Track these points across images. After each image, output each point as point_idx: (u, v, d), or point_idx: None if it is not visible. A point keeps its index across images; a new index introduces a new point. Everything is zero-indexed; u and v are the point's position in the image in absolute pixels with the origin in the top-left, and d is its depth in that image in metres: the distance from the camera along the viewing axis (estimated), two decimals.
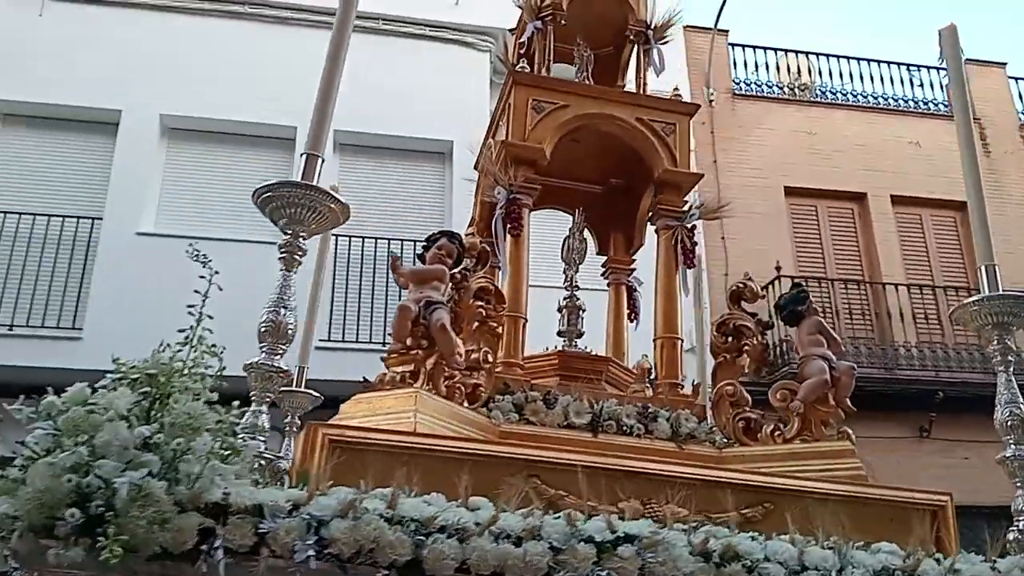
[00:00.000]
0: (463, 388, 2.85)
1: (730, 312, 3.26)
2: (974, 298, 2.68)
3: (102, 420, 1.79)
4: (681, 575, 1.93)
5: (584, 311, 3.75)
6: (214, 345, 2.05)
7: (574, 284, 3.79)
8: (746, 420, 3.06)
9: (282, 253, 2.35)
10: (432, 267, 2.90)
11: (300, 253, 2.36)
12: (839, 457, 2.87)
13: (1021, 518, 2.48)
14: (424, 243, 2.97)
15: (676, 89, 3.82)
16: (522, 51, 4.04)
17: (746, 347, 3.15)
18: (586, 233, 3.96)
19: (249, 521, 1.77)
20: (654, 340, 3.43)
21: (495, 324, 3.08)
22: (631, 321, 4.02)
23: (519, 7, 3.93)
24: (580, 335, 3.72)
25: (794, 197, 11.97)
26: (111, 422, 1.79)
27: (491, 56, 11.07)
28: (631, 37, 3.99)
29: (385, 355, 2.80)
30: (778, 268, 9.13)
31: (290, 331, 2.28)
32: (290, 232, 2.35)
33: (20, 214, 9.57)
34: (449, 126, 10.14)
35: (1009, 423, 2.60)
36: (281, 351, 2.27)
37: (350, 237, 9.55)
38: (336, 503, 1.84)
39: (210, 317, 2.06)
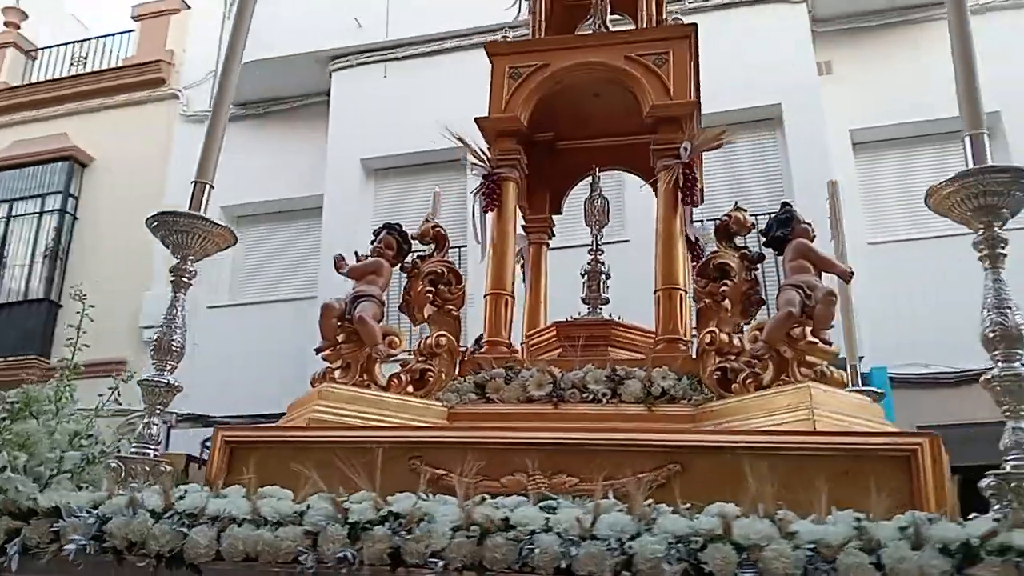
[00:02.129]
0: (406, 376, 2.85)
1: (713, 250, 2.85)
2: (950, 176, 2.12)
3: None
4: (437, 549, 1.81)
5: (609, 276, 3.50)
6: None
7: (598, 248, 3.56)
8: (722, 370, 2.65)
9: (171, 276, 2.59)
10: (367, 262, 2.95)
11: (187, 275, 2.58)
12: (792, 402, 2.37)
13: (1010, 456, 1.92)
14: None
15: (675, 16, 3.43)
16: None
17: (724, 288, 2.72)
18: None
19: (46, 521, 2.01)
20: (654, 292, 3.10)
21: (451, 307, 3.03)
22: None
23: None
24: (606, 302, 3.47)
25: None
26: None
27: (808, 4, 10.31)
28: None
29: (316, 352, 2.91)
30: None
31: (174, 348, 2.50)
32: (179, 256, 2.58)
33: None
34: (774, 88, 9.70)
35: (992, 334, 2.02)
36: (171, 367, 2.50)
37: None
38: (124, 502, 2.01)
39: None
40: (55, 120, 12.81)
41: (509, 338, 3.20)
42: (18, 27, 14.19)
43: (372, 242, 3.03)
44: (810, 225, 2.73)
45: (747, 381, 2.57)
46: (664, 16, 3.92)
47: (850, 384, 4.06)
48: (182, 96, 12.67)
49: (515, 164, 3.36)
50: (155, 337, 2.50)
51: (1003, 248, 2.12)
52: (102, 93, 12.79)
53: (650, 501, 1.88)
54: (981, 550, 1.61)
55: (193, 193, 2.62)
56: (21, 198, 12.39)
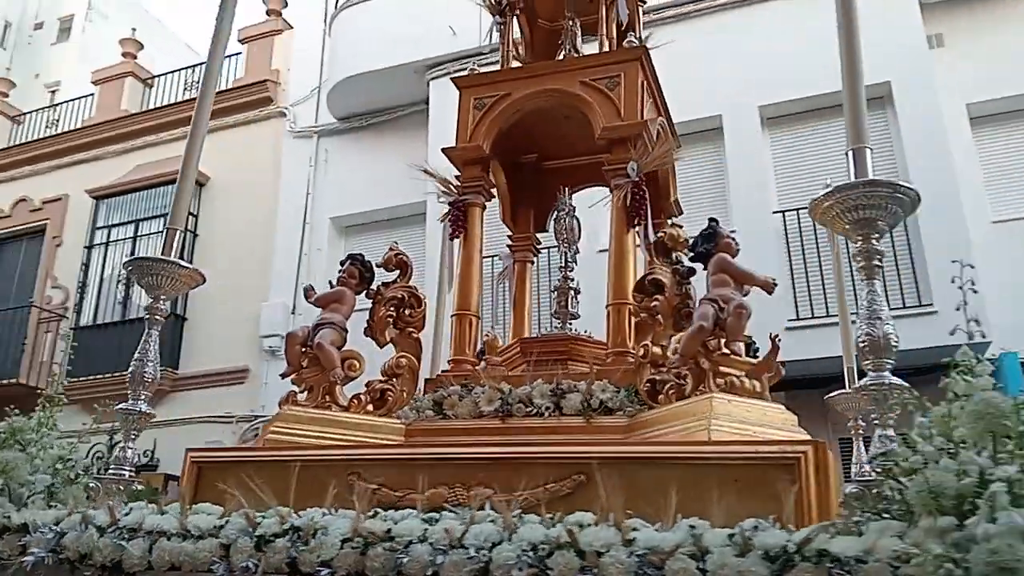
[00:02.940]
0: (366, 397, 3.07)
1: (650, 268, 2.95)
2: (830, 188, 2.20)
3: None
4: (327, 559, 2.01)
5: (579, 292, 3.62)
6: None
7: (567, 264, 3.69)
8: (652, 382, 2.75)
9: (145, 315, 2.88)
10: (330, 292, 3.19)
11: (160, 313, 2.86)
12: (694, 414, 2.45)
13: (871, 464, 1.99)
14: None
15: (630, 38, 3.54)
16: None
17: (655, 303, 2.82)
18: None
19: (16, 536, 2.32)
20: (606, 307, 3.22)
21: (412, 330, 3.23)
22: None
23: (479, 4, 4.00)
24: (575, 317, 3.60)
25: None
26: None
27: None
28: None
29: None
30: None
31: (146, 379, 2.79)
32: (152, 296, 2.87)
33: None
34: (882, 65, 9.11)
35: (863, 344, 2.09)
36: (144, 396, 2.78)
37: (784, 212, 9.55)
38: (78, 519, 2.30)
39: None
40: (172, 143, 13.45)
41: (474, 355, 3.38)
42: (135, 57, 15.07)
43: (338, 272, 3.27)
44: (733, 239, 2.81)
45: (671, 392, 2.67)
46: (639, 33, 4.03)
47: (846, 386, 4.08)
48: (289, 113, 13.16)
49: (480, 191, 3.54)
50: (133, 369, 2.80)
51: (879, 260, 2.17)
52: (214, 115, 13.41)
53: (558, 512, 2.04)
54: (797, 556, 1.70)
55: (165, 239, 2.91)
56: (146, 218, 13.17)
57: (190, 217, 12.78)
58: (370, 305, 3.22)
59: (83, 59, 26.28)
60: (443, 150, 3.59)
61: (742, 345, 2.58)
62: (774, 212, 9.59)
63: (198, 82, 14.25)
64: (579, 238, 3.72)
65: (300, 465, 2.65)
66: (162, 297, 2.86)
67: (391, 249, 3.32)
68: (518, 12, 3.93)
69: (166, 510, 2.31)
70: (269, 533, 2.10)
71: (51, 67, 29.40)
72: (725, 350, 2.56)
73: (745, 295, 2.78)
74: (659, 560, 1.77)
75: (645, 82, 3.46)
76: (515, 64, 3.98)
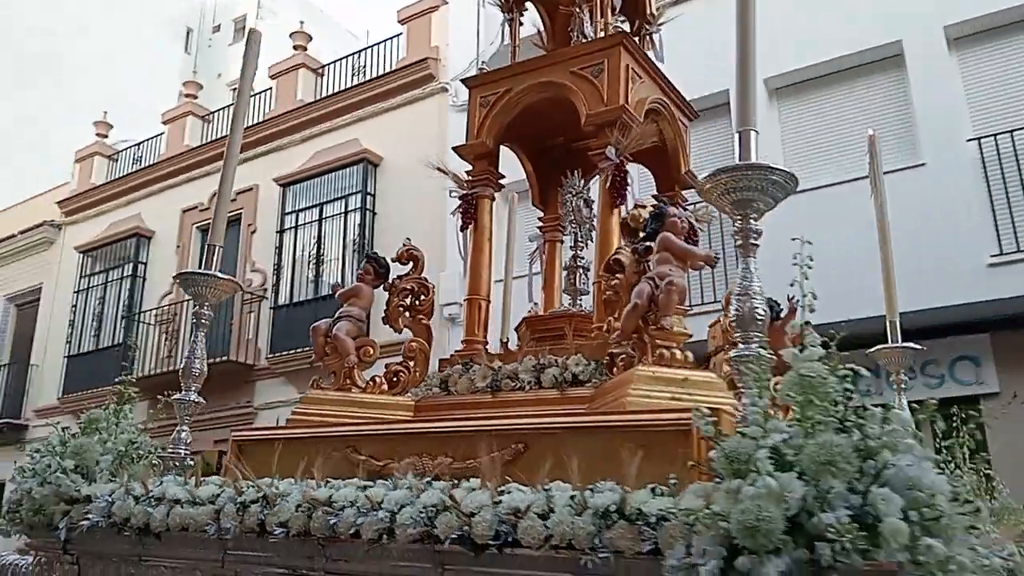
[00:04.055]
0: (382, 378, 3.49)
1: (617, 247, 3.13)
2: (715, 170, 2.36)
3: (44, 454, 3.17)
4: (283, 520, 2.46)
5: (587, 270, 3.83)
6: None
7: (578, 243, 3.90)
8: (611, 355, 2.96)
9: (193, 319, 3.44)
10: (349, 287, 3.62)
11: (206, 319, 3.41)
12: (624, 384, 2.65)
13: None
14: None
15: (615, 23, 3.68)
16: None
17: (615, 281, 3.01)
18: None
19: (83, 506, 2.94)
20: (594, 283, 3.43)
21: (422, 316, 3.60)
22: None
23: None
24: (584, 293, 3.82)
25: None
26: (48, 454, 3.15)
27: None
28: None
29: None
30: None
31: (194, 373, 3.35)
32: (197, 304, 3.42)
33: None
34: (891, 26, 9.39)
35: (734, 318, 2.26)
36: (195, 387, 3.35)
37: (980, 139, 9.02)
38: (117, 488, 2.89)
39: None
40: (346, 128, 14.41)
41: (484, 336, 3.72)
42: (305, 49, 16.14)
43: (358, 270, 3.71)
44: (680, 218, 2.94)
45: (622, 364, 2.89)
46: (651, 13, 4.15)
47: (890, 340, 4.05)
48: (451, 88, 13.40)
49: (487, 183, 3.84)
50: (184, 366, 3.38)
51: (756, 239, 2.30)
52: (381, 97, 14.17)
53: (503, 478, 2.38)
54: (616, 515, 1.95)
55: (205, 255, 3.45)
56: (328, 201, 14.16)
57: (368, 197, 13.69)
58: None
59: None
60: (453, 148, 3.93)
61: (673, 319, 2.74)
62: (968, 140, 9.03)
63: (364, 67, 15.27)
64: (590, 217, 3.93)
65: (309, 440, 3.13)
66: (206, 303, 3.42)
67: (404, 245, 3.71)
68: (536, 2, 4.13)
69: (190, 482, 2.85)
70: (248, 500, 2.57)
71: (231, 66, 31.88)
72: (660, 324, 2.74)
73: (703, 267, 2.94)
74: (515, 519, 2.07)
75: (631, 65, 3.61)
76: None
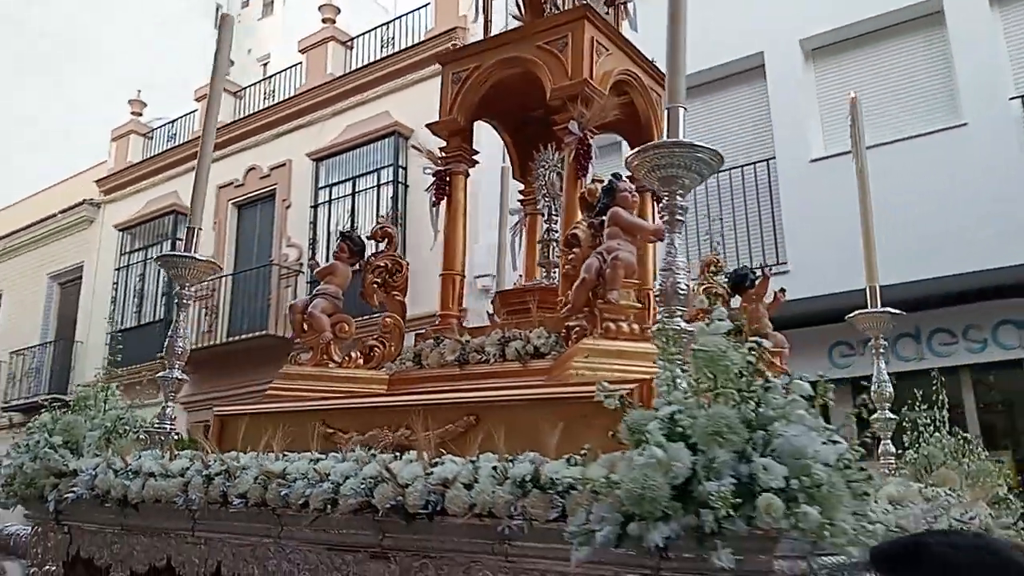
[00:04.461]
0: (356, 353, 3.61)
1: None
2: (642, 146, 2.42)
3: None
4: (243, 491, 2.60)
5: (559, 244, 3.89)
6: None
7: (551, 216, 3.96)
8: (568, 328, 3.03)
9: (176, 297, 3.59)
10: (325, 266, 3.74)
11: (186, 299, 3.55)
12: (571, 357, 2.73)
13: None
14: None
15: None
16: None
17: (572, 255, 3.08)
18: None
19: (69, 479, 3.12)
20: (556, 256, 3.51)
21: (396, 293, 3.70)
22: None
23: None
24: (556, 266, 3.87)
25: None
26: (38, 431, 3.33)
27: None
28: None
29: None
30: None
31: (177, 350, 3.50)
32: (179, 284, 3.56)
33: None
34: None
35: (658, 292, 2.32)
36: (179, 365, 3.50)
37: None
38: (100, 462, 3.05)
39: None
40: (376, 101, 14.34)
41: (459, 310, 3.81)
42: (334, 22, 16.00)
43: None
44: (630, 191, 2.99)
45: (576, 337, 2.96)
46: None
47: (869, 305, 4.07)
48: None
49: (460, 159, 3.91)
50: (167, 344, 3.53)
51: (681, 215, 2.35)
52: (410, 69, 14.00)
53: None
54: (531, 483, 2.05)
55: (186, 237, 3.59)
56: (361, 175, 14.17)
57: (399, 169, 13.70)
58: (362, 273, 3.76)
59: (287, 30, 28.52)
60: (427, 125, 4.00)
61: (617, 293, 2.80)
62: (1011, 98, 8.82)
63: (392, 39, 15.25)
64: (557, 192, 3.99)
65: (283, 414, 3.27)
66: (187, 284, 3.56)
67: (378, 223, 3.81)
68: None
69: (164, 456, 3.00)
70: (213, 473, 2.72)
71: (260, 42, 32.04)
72: (607, 298, 2.81)
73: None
74: (443, 488, 2.18)
75: (596, 38, 3.64)
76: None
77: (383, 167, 13.90)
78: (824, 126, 9.81)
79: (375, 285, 3.70)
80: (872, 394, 3.97)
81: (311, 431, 3.09)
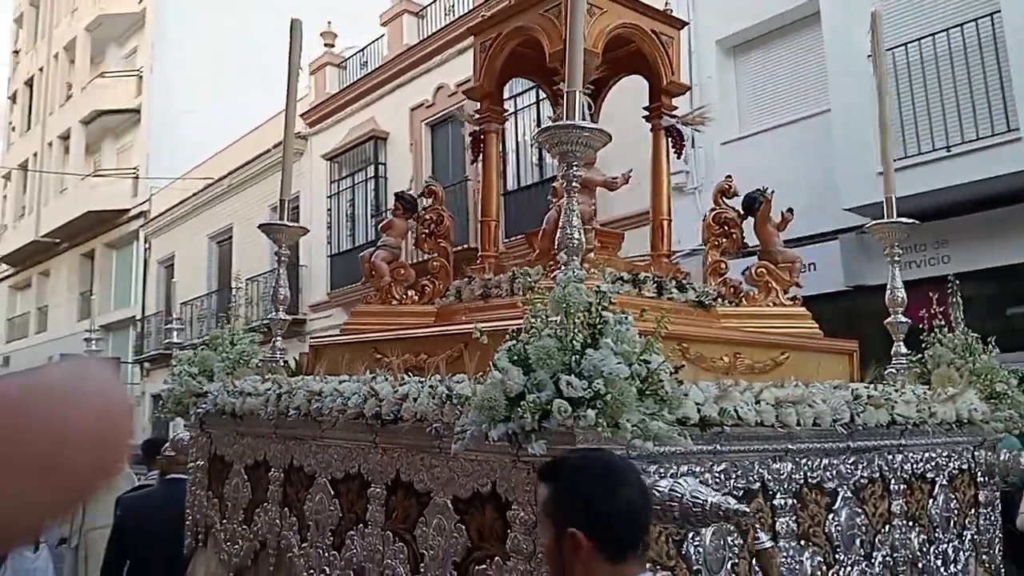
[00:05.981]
0: (412, 292, 4.43)
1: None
2: (546, 126, 3.02)
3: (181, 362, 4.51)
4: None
5: None
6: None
7: None
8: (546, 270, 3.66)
9: (275, 257, 4.57)
10: (385, 221, 4.56)
11: (284, 257, 4.53)
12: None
13: None
14: None
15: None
16: None
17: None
18: None
19: (203, 399, 4.24)
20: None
21: (441, 240, 4.45)
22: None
23: None
24: None
25: None
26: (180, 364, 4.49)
27: None
28: None
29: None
30: None
31: (280, 297, 4.50)
32: (280, 246, 4.54)
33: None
34: None
35: (562, 242, 2.94)
36: (282, 310, 4.51)
37: None
38: (219, 386, 4.13)
39: None
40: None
41: (496, 251, 4.53)
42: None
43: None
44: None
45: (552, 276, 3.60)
46: None
47: (885, 216, 4.34)
48: None
49: (491, 119, 4.55)
50: (273, 291, 4.55)
51: (576, 183, 2.92)
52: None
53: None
54: (456, 398, 2.79)
55: (280, 208, 4.55)
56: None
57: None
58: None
59: None
60: (463, 91, 4.68)
61: None
62: None
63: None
64: None
65: (350, 345, 4.20)
66: (284, 244, 4.54)
67: (426, 183, 4.58)
68: None
69: (268, 378, 4.03)
70: (282, 392, 3.69)
71: None
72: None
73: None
74: (400, 402, 2.98)
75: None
76: None
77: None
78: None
79: (424, 235, 4.51)
80: (886, 300, 4.27)
81: (368, 356, 4.00)
